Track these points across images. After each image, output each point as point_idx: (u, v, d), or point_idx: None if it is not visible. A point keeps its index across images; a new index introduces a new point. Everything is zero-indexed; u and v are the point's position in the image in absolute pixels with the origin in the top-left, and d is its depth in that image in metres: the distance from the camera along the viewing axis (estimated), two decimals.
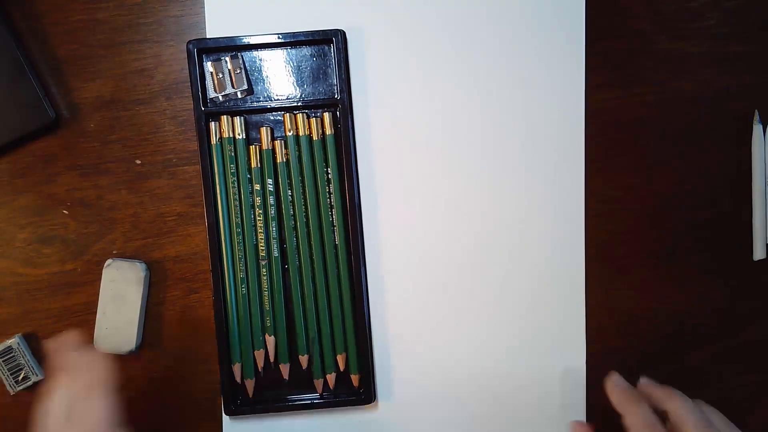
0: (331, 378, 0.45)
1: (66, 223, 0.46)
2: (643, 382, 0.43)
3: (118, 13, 0.45)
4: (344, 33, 0.44)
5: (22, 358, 0.45)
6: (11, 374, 0.45)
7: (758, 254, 0.47)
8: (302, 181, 0.45)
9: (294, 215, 0.45)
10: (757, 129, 0.46)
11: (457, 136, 0.46)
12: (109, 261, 0.45)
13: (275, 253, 0.45)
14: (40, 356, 0.46)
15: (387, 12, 0.45)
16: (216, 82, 0.44)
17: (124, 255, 0.45)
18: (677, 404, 0.41)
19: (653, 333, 0.47)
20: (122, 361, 0.44)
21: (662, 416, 0.40)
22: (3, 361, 0.45)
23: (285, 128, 0.44)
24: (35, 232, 0.46)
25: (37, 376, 0.45)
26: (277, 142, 0.44)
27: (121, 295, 0.44)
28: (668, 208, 0.47)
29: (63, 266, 0.46)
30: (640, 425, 0.40)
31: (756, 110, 0.46)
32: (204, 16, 0.45)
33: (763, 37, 0.46)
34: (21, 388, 0.45)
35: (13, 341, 0.45)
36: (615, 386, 0.43)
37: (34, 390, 0.46)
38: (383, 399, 0.47)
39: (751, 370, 0.48)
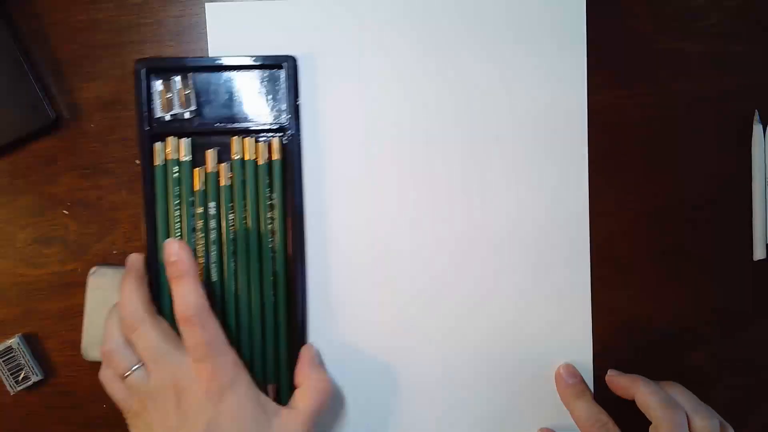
0: None
1: (66, 223, 0.46)
2: (610, 374, 0.44)
3: (118, 14, 0.45)
4: (294, 59, 0.44)
5: (22, 358, 0.45)
6: (11, 374, 0.45)
7: (758, 254, 0.47)
8: (245, 206, 0.44)
9: (235, 240, 0.44)
10: (757, 129, 0.46)
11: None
12: (93, 269, 0.44)
13: (214, 277, 0.44)
14: (40, 356, 0.46)
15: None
16: (164, 101, 0.44)
17: (125, 255, 0.45)
18: (639, 389, 0.41)
19: (653, 333, 0.47)
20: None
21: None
22: (3, 361, 0.45)
23: (231, 151, 0.44)
24: (35, 233, 0.46)
25: (37, 376, 0.45)
26: (223, 165, 0.44)
27: (107, 302, 0.43)
28: (668, 208, 0.47)
29: (63, 266, 0.46)
30: (583, 419, 0.40)
31: (756, 110, 0.46)
32: (204, 17, 0.45)
33: (763, 37, 0.46)
34: (21, 388, 0.45)
35: (13, 341, 0.45)
36: (561, 380, 0.43)
37: (34, 390, 0.46)
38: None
39: (751, 370, 0.48)
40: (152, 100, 0.44)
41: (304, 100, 0.45)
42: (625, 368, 0.47)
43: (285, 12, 0.45)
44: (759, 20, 0.46)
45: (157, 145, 0.43)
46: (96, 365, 0.42)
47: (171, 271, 0.40)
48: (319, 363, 0.44)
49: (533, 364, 0.46)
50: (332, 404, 0.46)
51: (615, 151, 0.46)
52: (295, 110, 0.44)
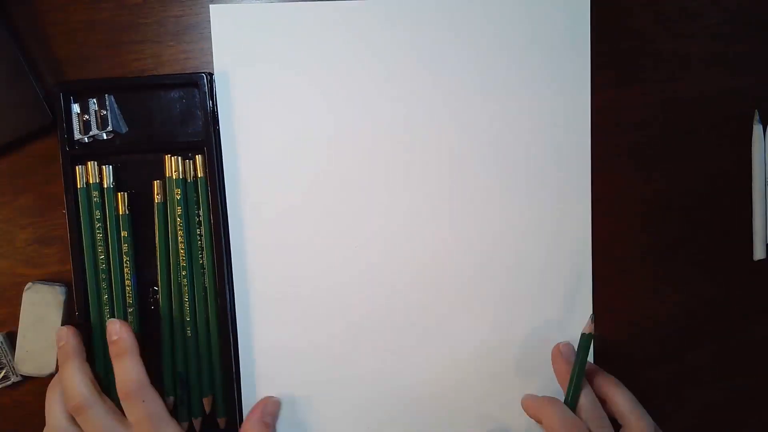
0: (197, 422, 0.45)
1: (66, 223, 0.46)
2: (526, 397, 0.44)
3: (118, 14, 0.45)
4: (211, 75, 0.44)
5: (4, 358, 0.45)
6: None
7: (758, 254, 0.47)
8: (173, 224, 0.44)
9: (166, 258, 0.44)
10: (757, 129, 0.46)
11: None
12: (29, 284, 0.44)
13: (142, 298, 0.45)
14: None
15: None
16: (82, 124, 0.44)
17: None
18: (615, 392, 0.43)
19: (653, 332, 0.47)
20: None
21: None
22: None
23: (165, 170, 0.44)
24: (35, 232, 0.46)
25: (17, 377, 0.45)
26: (156, 184, 0.44)
27: (41, 318, 0.44)
28: (669, 208, 0.47)
29: (63, 266, 0.46)
30: (557, 426, 0.41)
31: (756, 110, 0.46)
32: (204, 16, 0.45)
33: (763, 37, 0.46)
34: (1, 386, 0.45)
35: None
36: (527, 396, 0.43)
37: (12, 389, 0.46)
38: None
39: (751, 370, 0.48)
40: (71, 123, 0.44)
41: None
42: (625, 368, 0.47)
43: (282, 14, 0.45)
44: (759, 20, 0.46)
45: (79, 169, 0.44)
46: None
47: (112, 350, 0.42)
48: (270, 422, 0.45)
49: (535, 369, 0.46)
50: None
51: (615, 151, 0.46)
52: (214, 127, 0.44)
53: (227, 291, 0.45)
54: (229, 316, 0.45)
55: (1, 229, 0.46)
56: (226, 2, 0.45)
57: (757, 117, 0.46)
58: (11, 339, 0.45)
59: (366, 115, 0.45)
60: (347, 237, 0.46)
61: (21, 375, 0.45)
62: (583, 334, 0.43)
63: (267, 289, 0.46)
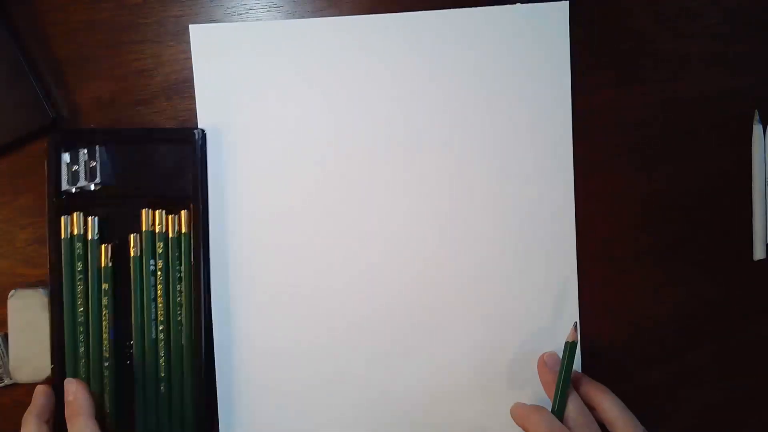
0: None
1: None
2: (516, 405, 0.44)
3: (118, 14, 0.45)
4: (203, 132, 0.44)
5: (0, 359, 0.45)
6: None
7: (758, 254, 0.47)
8: (154, 280, 0.44)
9: (141, 313, 0.44)
10: (757, 129, 0.46)
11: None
12: (12, 291, 0.44)
13: (121, 351, 0.45)
14: None
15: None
16: (70, 174, 0.44)
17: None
18: (605, 399, 0.43)
19: (652, 333, 0.47)
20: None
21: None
22: None
23: (141, 224, 0.44)
24: (35, 232, 0.46)
25: (11, 380, 0.45)
26: (132, 237, 0.44)
27: (30, 324, 0.44)
28: (668, 208, 0.47)
29: None
30: (573, 415, 0.41)
31: (756, 110, 0.46)
32: (207, 16, 0.45)
33: (763, 37, 0.46)
34: None
35: None
36: (515, 405, 0.44)
37: (12, 389, 0.45)
38: None
39: (752, 370, 0.48)
40: (60, 173, 0.44)
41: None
42: (625, 368, 0.47)
43: (265, 34, 0.45)
44: (758, 20, 0.46)
45: (64, 219, 0.43)
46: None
47: (67, 411, 0.42)
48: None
49: (526, 377, 0.46)
50: None
51: (615, 151, 0.46)
52: (201, 183, 0.44)
53: (203, 349, 0.44)
54: (204, 373, 0.44)
55: (1, 229, 0.46)
56: (205, 22, 0.45)
57: (757, 117, 0.46)
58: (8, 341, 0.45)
59: (355, 136, 0.45)
60: (332, 278, 0.46)
61: (17, 381, 0.45)
62: (566, 342, 0.43)
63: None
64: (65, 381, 0.43)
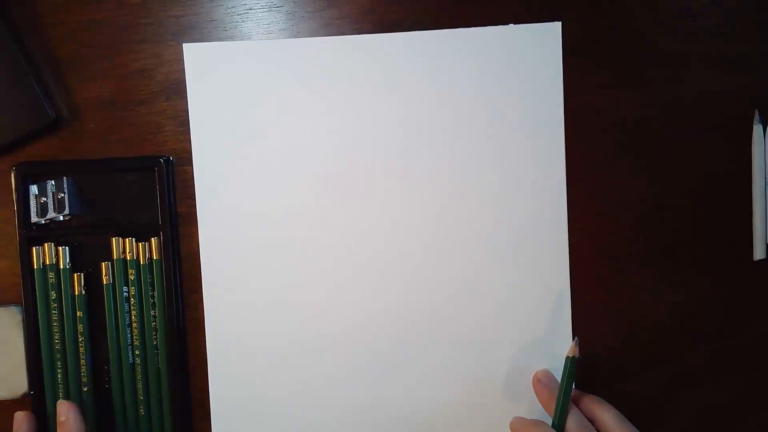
0: None
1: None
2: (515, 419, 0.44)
3: (118, 14, 0.45)
4: (169, 159, 0.45)
5: None
6: None
7: (758, 254, 0.47)
8: (128, 306, 0.45)
9: (118, 339, 0.45)
10: (757, 129, 0.46)
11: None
12: None
13: (99, 376, 0.45)
14: None
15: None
16: (39, 206, 0.44)
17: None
18: (604, 412, 0.43)
19: (652, 333, 0.47)
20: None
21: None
22: None
23: (112, 252, 0.44)
24: None
25: None
26: (104, 265, 0.44)
27: (2, 341, 0.44)
28: (668, 208, 0.47)
29: None
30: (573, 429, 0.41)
31: (756, 110, 0.46)
32: (205, 17, 0.45)
33: (763, 37, 0.46)
34: None
35: None
36: (515, 419, 0.44)
37: None
38: None
39: (751, 370, 0.48)
40: (28, 206, 0.44)
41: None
42: (625, 368, 0.47)
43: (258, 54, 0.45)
44: (759, 20, 0.46)
45: (35, 250, 0.44)
46: None
47: (59, 431, 0.43)
48: None
49: (516, 378, 0.46)
50: None
51: (615, 150, 0.46)
52: (169, 211, 0.45)
53: (178, 372, 0.45)
54: (181, 395, 0.45)
55: (1, 229, 0.46)
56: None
57: (757, 117, 0.46)
58: None
59: (351, 148, 0.46)
60: (329, 286, 0.46)
61: None
62: (567, 357, 0.43)
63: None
64: (57, 403, 0.43)
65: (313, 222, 0.46)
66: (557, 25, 0.45)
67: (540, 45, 0.45)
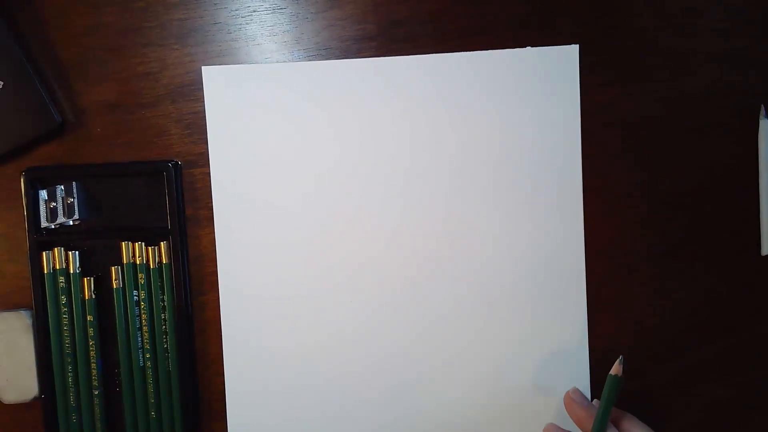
0: None
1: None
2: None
3: (122, 17, 0.45)
4: (177, 164, 0.45)
5: None
6: None
7: (766, 249, 0.47)
8: (138, 310, 0.45)
9: (128, 342, 0.45)
10: (764, 124, 0.46)
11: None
12: None
13: (109, 379, 0.46)
14: None
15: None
16: (49, 211, 0.44)
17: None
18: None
19: (660, 330, 0.47)
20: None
21: None
22: None
23: (122, 256, 0.45)
24: None
25: None
26: (114, 270, 0.45)
27: (13, 345, 0.44)
28: (675, 205, 0.47)
29: None
30: None
31: (762, 105, 0.46)
32: (208, 20, 0.45)
33: (766, 32, 0.46)
34: None
35: None
36: (549, 427, 0.44)
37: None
38: None
39: (758, 367, 0.48)
40: (38, 211, 0.44)
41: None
42: (632, 365, 0.47)
43: (276, 76, 0.45)
44: (761, 16, 0.46)
45: (45, 254, 0.44)
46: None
47: None
48: None
49: (533, 392, 0.46)
50: None
51: (618, 149, 0.46)
52: (178, 215, 0.45)
53: (190, 374, 0.45)
54: (192, 398, 0.45)
55: (9, 234, 0.46)
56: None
57: (763, 112, 0.46)
58: None
59: (362, 164, 0.46)
60: (344, 290, 0.46)
61: (3, 402, 0.45)
62: (610, 376, 0.43)
63: (257, 354, 0.46)
64: None
65: (332, 226, 0.46)
66: (575, 48, 0.45)
67: (557, 68, 0.45)
